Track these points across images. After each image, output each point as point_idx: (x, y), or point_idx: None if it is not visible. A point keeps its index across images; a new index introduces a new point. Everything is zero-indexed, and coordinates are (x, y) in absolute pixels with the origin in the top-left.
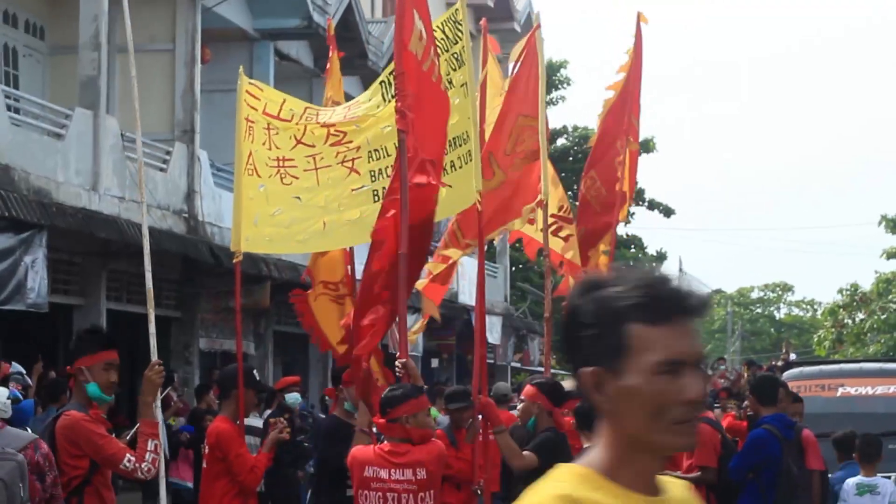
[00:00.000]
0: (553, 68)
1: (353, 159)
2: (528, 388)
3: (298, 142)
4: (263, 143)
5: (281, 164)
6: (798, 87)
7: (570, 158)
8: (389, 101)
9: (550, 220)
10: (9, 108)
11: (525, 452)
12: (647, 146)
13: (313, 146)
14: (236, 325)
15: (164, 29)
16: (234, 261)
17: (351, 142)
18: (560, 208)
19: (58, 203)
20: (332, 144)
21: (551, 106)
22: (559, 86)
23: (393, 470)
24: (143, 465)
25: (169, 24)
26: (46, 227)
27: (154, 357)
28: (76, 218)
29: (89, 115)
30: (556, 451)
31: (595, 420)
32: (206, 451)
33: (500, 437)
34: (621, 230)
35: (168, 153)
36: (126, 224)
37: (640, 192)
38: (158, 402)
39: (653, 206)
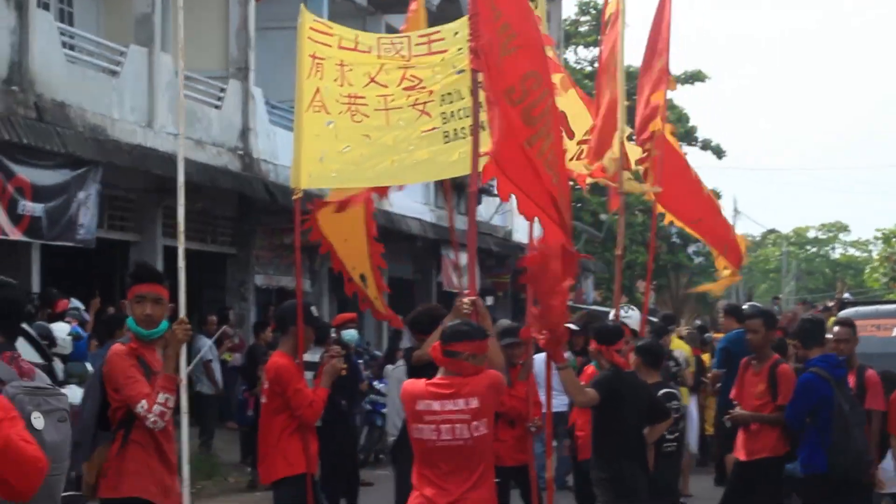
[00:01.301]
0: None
1: (424, 102)
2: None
3: (372, 80)
4: (335, 80)
5: (352, 101)
6: (852, 24)
7: None
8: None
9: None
10: (64, 45)
11: (587, 389)
12: (698, 76)
13: (386, 87)
14: (296, 261)
15: None
16: (294, 197)
17: (424, 87)
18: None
19: (113, 140)
20: (405, 88)
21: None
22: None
23: (445, 401)
24: (150, 416)
25: None
26: (102, 164)
27: (182, 296)
28: (132, 154)
29: (144, 52)
30: (615, 386)
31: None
32: (265, 386)
33: (563, 373)
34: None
35: (222, 90)
36: None
37: (693, 129)
38: (184, 358)
39: (706, 146)
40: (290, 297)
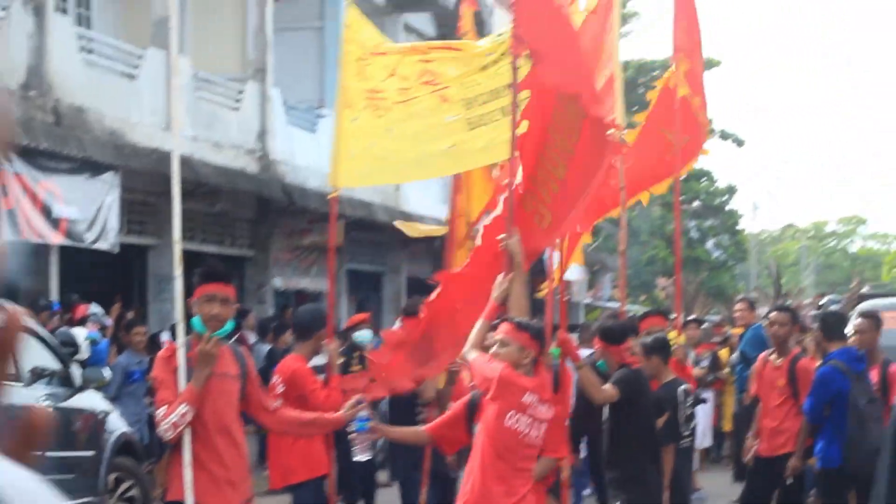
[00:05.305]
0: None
1: (443, 87)
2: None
3: (391, 74)
4: (356, 75)
5: (372, 96)
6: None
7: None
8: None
9: None
10: (82, 49)
11: (605, 386)
12: (710, 63)
13: (406, 78)
14: (329, 263)
15: None
16: (330, 196)
17: (440, 82)
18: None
19: (132, 144)
20: (424, 83)
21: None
22: (627, 20)
23: (542, 405)
24: (163, 425)
25: None
26: (121, 168)
27: (179, 303)
28: (150, 158)
29: (162, 54)
30: (635, 384)
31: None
32: (280, 390)
33: (581, 371)
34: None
35: (240, 92)
36: (199, 164)
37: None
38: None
39: (725, 136)
40: (308, 299)
